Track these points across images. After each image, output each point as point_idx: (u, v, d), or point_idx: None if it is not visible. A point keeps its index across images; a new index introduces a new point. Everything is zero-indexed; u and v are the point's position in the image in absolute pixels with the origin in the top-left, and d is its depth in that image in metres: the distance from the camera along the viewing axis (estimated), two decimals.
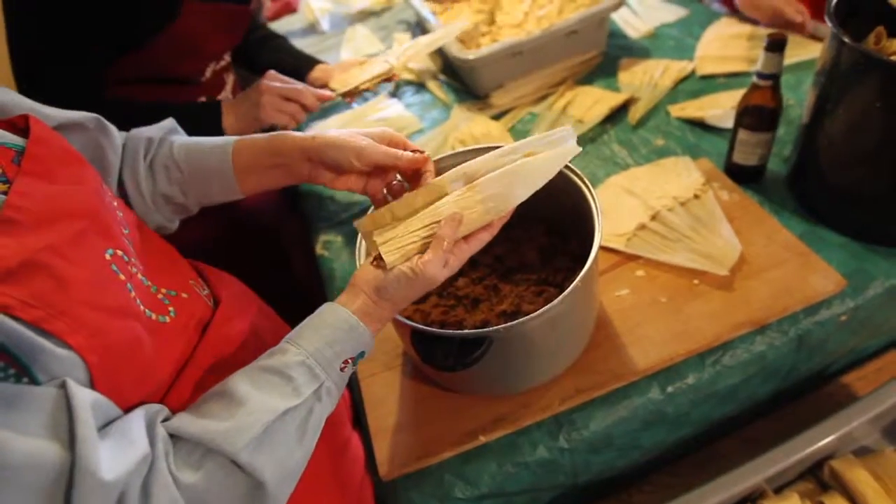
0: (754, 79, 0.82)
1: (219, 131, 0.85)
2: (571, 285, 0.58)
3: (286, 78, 0.89)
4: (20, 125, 0.46)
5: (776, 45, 0.77)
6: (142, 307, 0.47)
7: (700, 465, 0.82)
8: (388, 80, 1.05)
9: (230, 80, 1.04)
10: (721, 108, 1.04)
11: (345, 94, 1.00)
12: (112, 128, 0.60)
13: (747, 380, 0.75)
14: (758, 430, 0.84)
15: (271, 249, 1.26)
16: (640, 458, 0.80)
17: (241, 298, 0.64)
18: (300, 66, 1.11)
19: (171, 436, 0.44)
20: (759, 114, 0.83)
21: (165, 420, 0.46)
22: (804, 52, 1.13)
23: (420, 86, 1.36)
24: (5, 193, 0.39)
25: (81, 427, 0.37)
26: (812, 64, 1.07)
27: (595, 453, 0.74)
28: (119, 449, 0.40)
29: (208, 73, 0.95)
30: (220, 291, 0.61)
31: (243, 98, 0.86)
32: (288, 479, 0.48)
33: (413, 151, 0.60)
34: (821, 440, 0.71)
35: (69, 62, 0.77)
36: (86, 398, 0.39)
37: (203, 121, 0.84)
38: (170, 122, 0.66)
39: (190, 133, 0.66)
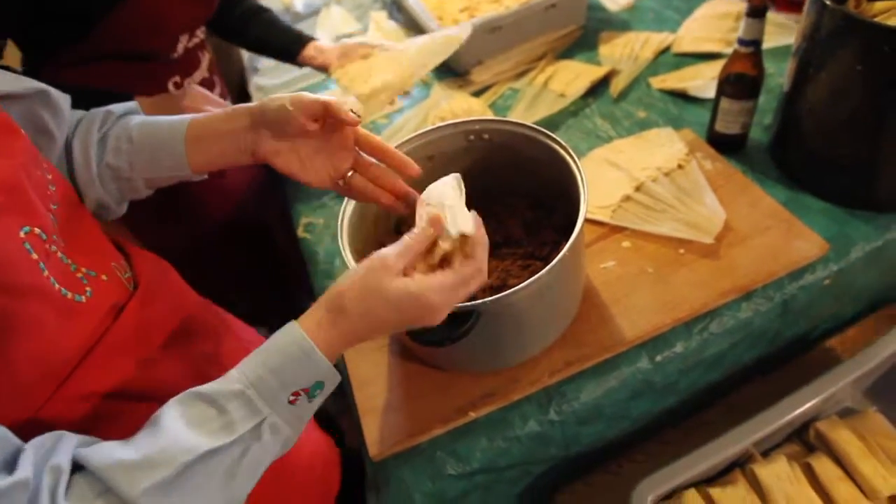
0: (736, 46, 0.81)
1: None
2: (559, 255, 0.57)
3: (212, 96, 0.84)
4: None
5: (757, 11, 0.76)
6: (56, 285, 0.45)
7: (688, 433, 0.83)
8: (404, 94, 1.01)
9: (206, 58, 1.00)
10: (702, 78, 1.03)
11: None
12: (58, 98, 0.57)
13: (734, 346, 0.76)
14: (743, 396, 0.85)
15: (260, 235, 1.24)
16: (630, 427, 0.80)
17: (162, 283, 0.62)
18: (291, 43, 1.06)
19: (78, 466, 0.39)
20: (740, 81, 0.83)
21: (81, 446, 0.41)
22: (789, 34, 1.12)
23: None
24: None
25: None
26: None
27: (585, 425, 0.74)
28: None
29: (180, 49, 0.91)
30: (142, 275, 0.59)
31: (163, 104, 0.80)
32: None
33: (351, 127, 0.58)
34: (805, 403, 0.72)
35: None
36: None
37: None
38: (133, 104, 0.63)
39: None
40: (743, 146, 0.91)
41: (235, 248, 1.18)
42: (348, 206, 0.70)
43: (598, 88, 1.10)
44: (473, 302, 0.57)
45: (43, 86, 0.55)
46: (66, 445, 0.40)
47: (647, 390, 0.74)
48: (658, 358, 0.72)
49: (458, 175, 0.57)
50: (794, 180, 0.85)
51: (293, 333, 0.45)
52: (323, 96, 0.56)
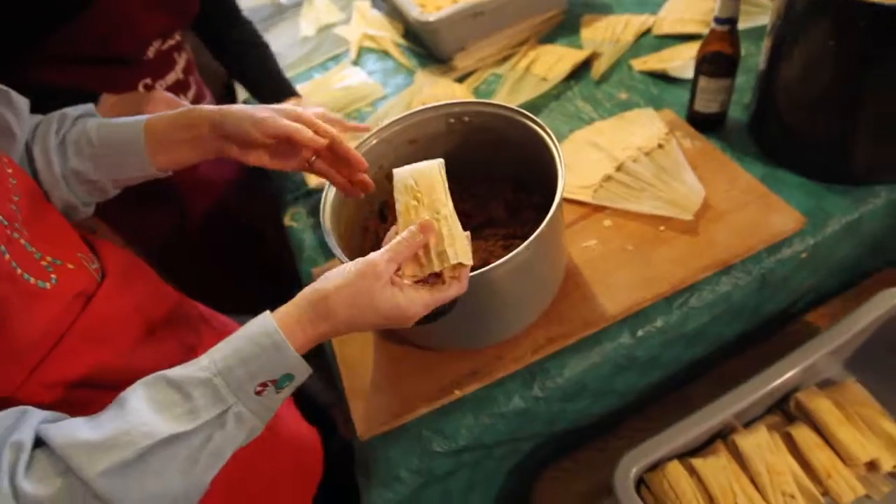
0: (712, 24, 0.82)
1: None
2: (537, 231, 0.58)
3: (176, 101, 0.82)
4: None
5: None
6: (18, 270, 0.46)
7: (673, 409, 0.84)
8: None
9: (182, 59, 0.98)
10: (682, 59, 1.04)
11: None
12: (18, 99, 0.58)
13: (714, 320, 0.77)
14: (727, 371, 0.87)
15: (246, 226, 1.24)
16: (615, 403, 0.81)
17: (130, 274, 0.63)
18: (274, 92, 1.03)
19: (41, 442, 0.40)
20: (717, 60, 0.84)
21: (46, 422, 0.42)
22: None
23: (382, 53, 1.33)
24: None
25: None
26: None
27: (569, 401, 0.75)
28: None
29: (151, 52, 0.89)
30: (109, 266, 0.60)
31: (126, 104, 0.79)
32: None
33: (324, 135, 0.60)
34: (784, 374, 0.74)
35: None
36: None
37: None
38: (88, 106, 0.64)
39: None
40: (722, 125, 0.92)
41: (221, 239, 1.18)
42: (331, 191, 0.70)
43: (580, 71, 1.11)
44: None
45: (2, 86, 0.56)
46: (29, 421, 0.40)
47: (629, 365, 0.76)
48: (639, 333, 0.73)
49: (441, 161, 0.56)
50: (771, 157, 0.86)
51: (266, 325, 0.45)
52: (287, 124, 0.57)
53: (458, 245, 0.52)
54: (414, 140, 0.79)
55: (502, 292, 0.65)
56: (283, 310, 0.47)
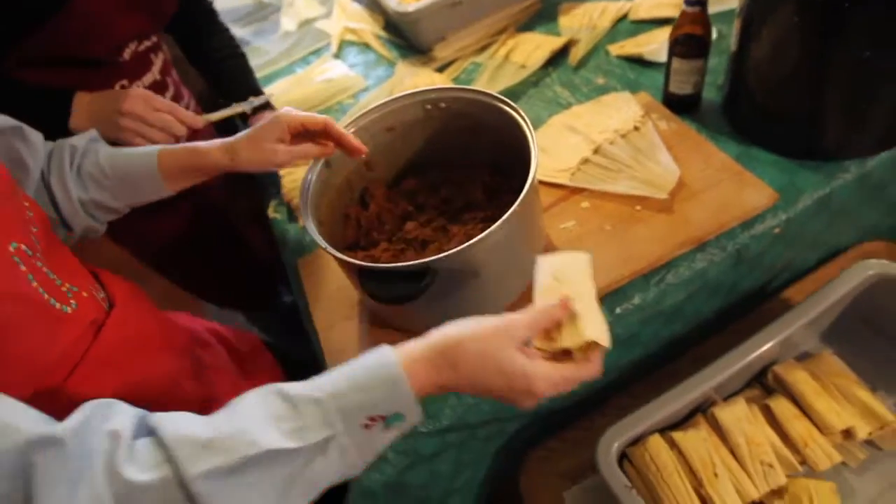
0: (683, 6, 0.83)
1: (64, 126, 0.77)
2: (510, 209, 0.59)
3: (155, 99, 0.78)
4: None
5: None
6: (46, 296, 0.50)
7: (655, 386, 0.85)
8: None
9: (159, 60, 0.97)
10: (658, 43, 1.05)
11: None
12: (32, 133, 0.63)
13: (691, 297, 0.78)
14: (707, 348, 0.88)
15: (225, 233, 1.24)
16: (596, 381, 0.82)
17: (135, 304, 0.65)
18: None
19: (152, 431, 0.40)
20: (689, 42, 0.85)
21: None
22: None
23: (363, 45, 1.34)
24: None
25: None
26: None
27: None
28: (33, 419, 0.38)
29: (127, 54, 0.89)
30: (116, 295, 0.62)
31: (103, 101, 0.78)
32: None
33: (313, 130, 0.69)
34: (761, 347, 0.75)
35: None
36: None
37: (50, 112, 0.77)
38: (93, 132, 0.70)
39: (37, 123, 0.66)
40: (697, 106, 0.94)
41: (209, 235, 1.18)
42: (312, 177, 0.71)
43: (558, 58, 1.12)
44: (428, 259, 0.58)
45: (17, 122, 0.60)
46: (122, 412, 0.41)
47: None
48: (618, 310, 0.75)
49: (590, 256, 0.55)
50: (745, 135, 0.87)
51: (385, 357, 0.44)
52: (293, 157, 0.69)
53: (593, 324, 0.50)
54: (392, 127, 0.80)
55: (480, 272, 0.66)
56: (408, 346, 0.46)
